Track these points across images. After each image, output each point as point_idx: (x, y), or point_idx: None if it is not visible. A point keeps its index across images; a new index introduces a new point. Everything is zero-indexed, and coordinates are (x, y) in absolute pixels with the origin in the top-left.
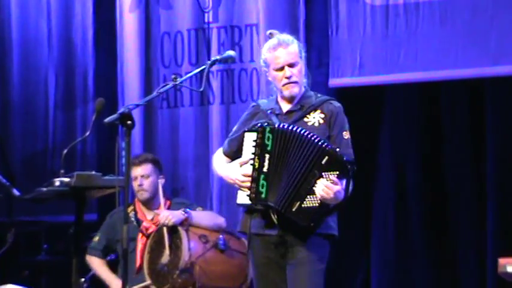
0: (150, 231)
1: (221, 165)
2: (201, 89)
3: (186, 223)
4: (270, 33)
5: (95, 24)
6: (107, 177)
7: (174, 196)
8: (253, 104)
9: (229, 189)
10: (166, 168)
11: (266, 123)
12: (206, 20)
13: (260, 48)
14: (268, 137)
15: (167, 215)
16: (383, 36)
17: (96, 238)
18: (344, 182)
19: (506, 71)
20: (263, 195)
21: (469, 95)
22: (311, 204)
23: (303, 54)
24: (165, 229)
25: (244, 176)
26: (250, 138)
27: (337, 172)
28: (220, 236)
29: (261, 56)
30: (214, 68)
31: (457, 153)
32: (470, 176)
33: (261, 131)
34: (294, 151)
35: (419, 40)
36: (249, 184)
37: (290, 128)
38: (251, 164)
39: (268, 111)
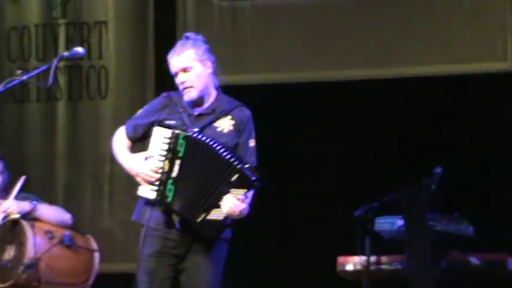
0: None
1: (123, 152)
2: (48, 85)
3: (31, 214)
4: (186, 36)
5: None
6: None
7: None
8: (165, 94)
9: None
10: (12, 163)
11: (181, 129)
12: (54, 16)
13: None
14: (182, 143)
15: (11, 204)
16: (230, 37)
17: None
18: (250, 195)
19: (353, 74)
20: (169, 199)
21: (316, 97)
22: (216, 218)
23: (205, 57)
24: (8, 224)
25: (152, 171)
26: (160, 134)
27: (245, 190)
28: (66, 232)
29: None
30: (62, 64)
31: (302, 152)
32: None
33: (175, 136)
34: (206, 163)
35: (266, 42)
36: (154, 180)
37: (204, 139)
38: (160, 167)
39: (180, 109)
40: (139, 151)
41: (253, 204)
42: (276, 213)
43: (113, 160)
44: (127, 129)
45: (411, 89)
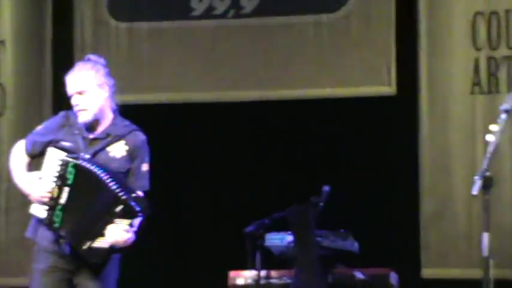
0: None
1: (19, 169)
2: None
3: None
4: (87, 58)
5: None
6: None
7: None
8: (63, 113)
9: None
10: None
11: (72, 156)
12: None
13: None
14: (71, 171)
15: None
16: (127, 57)
17: None
18: (137, 223)
19: (246, 95)
20: (56, 225)
21: (211, 117)
22: (101, 246)
23: (103, 80)
24: None
25: (43, 193)
26: (54, 156)
27: (129, 221)
28: None
29: None
30: None
31: (198, 170)
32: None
33: (65, 164)
34: (93, 193)
35: (162, 63)
36: (44, 201)
37: (93, 168)
38: (50, 191)
39: (76, 131)
40: (35, 168)
41: (144, 225)
42: (170, 230)
43: (9, 177)
44: (26, 145)
45: (302, 110)
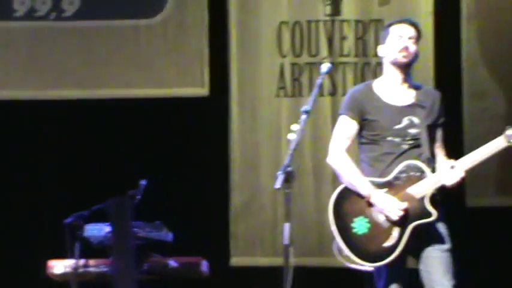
0: None
1: None
2: None
3: None
4: None
5: None
6: None
7: None
8: None
9: None
10: None
11: None
12: None
13: None
14: None
15: None
16: None
17: None
18: None
19: (67, 94)
20: None
21: (34, 115)
22: None
23: None
24: None
25: None
26: None
27: None
28: None
29: None
30: None
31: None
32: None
33: None
34: None
35: None
36: None
37: None
38: None
39: None
40: None
41: None
42: None
43: None
44: None
45: (121, 109)
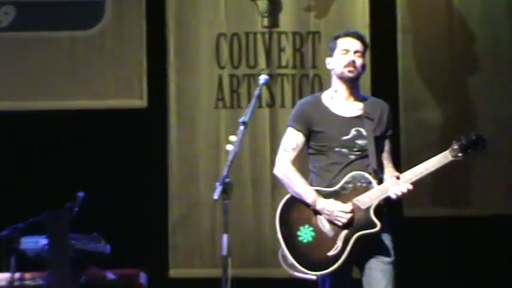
0: None
1: None
2: None
3: None
4: None
5: None
6: None
7: None
8: None
9: None
10: None
11: None
12: None
13: None
14: None
15: None
16: None
17: None
18: None
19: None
20: None
21: None
22: None
23: None
24: None
25: None
26: None
27: None
28: None
29: None
30: None
31: None
32: None
33: None
34: None
35: None
36: None
37: None
38: None
39: None
40: None
41: None
42: None
43: None
44: None
45: (58, 121)
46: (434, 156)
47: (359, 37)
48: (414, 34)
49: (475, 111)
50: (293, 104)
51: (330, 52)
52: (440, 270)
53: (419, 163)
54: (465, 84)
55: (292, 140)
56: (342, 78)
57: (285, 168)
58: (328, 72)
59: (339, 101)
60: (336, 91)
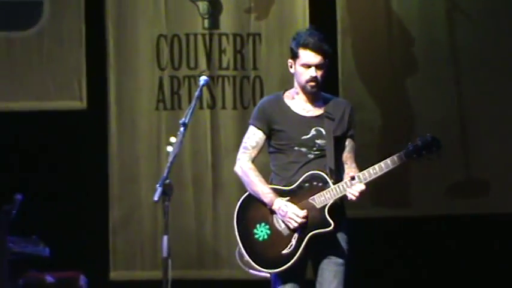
0: None
1: None
2: None
3: None
4: None
5: None
6: None
7: None
8: None
9: None
10: None
11: None
12: None
13: None
14: None
15: None
16: None
17: None
18: None
19: None
20: None
21: None
22: None
23: None
24: None
25: None
26: None
27: None
28: None
29: None
30: None
31: None
32: None
33: None
34: None
35: None
36: None
37: None
38: None
39: None
40: None
41: None
42: None
43: None
44: None
45: None
46: (388, 157)
47: (320, 51)
48: (353, 36)
49: (413, 113)
50: (234, 106)
51: (291, 54)
52: (382, 270)
53: (360, 163)
54: (404, 86)
55: (252, 138)
56: (304, 89)
57: (244, 166)
58: (269, 74)
59: (300, 100)
60: (297, 93)
